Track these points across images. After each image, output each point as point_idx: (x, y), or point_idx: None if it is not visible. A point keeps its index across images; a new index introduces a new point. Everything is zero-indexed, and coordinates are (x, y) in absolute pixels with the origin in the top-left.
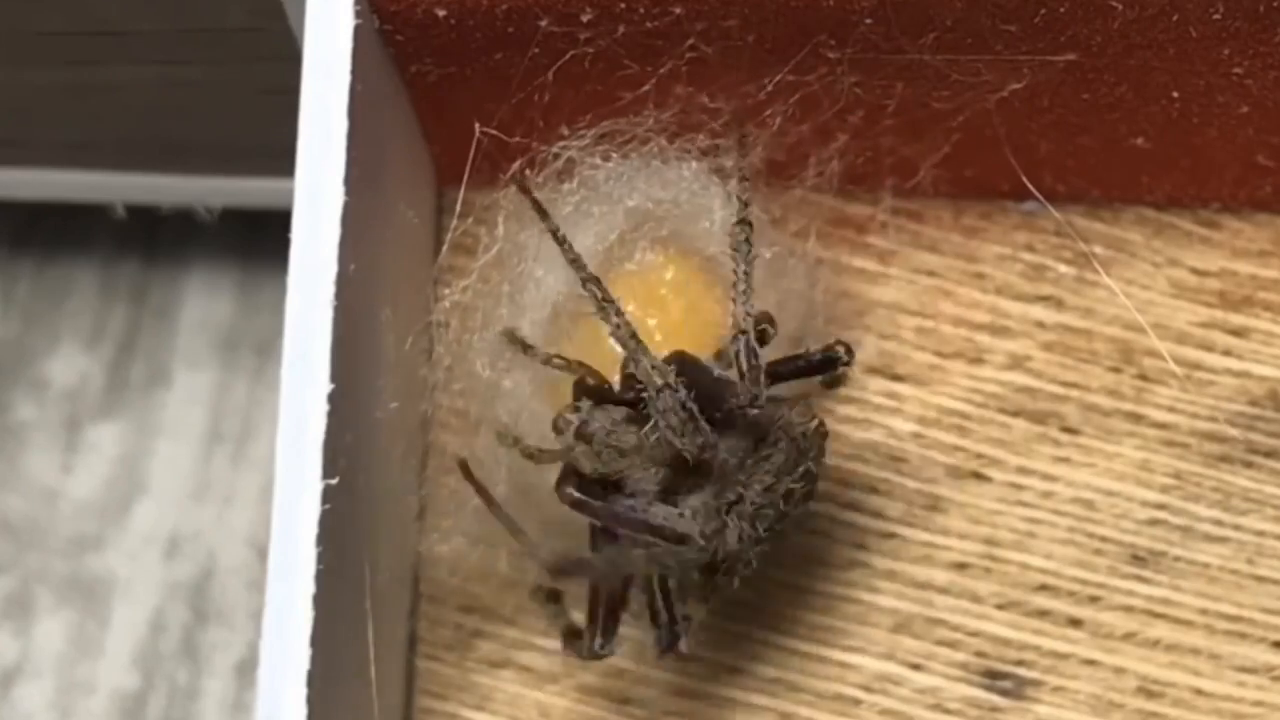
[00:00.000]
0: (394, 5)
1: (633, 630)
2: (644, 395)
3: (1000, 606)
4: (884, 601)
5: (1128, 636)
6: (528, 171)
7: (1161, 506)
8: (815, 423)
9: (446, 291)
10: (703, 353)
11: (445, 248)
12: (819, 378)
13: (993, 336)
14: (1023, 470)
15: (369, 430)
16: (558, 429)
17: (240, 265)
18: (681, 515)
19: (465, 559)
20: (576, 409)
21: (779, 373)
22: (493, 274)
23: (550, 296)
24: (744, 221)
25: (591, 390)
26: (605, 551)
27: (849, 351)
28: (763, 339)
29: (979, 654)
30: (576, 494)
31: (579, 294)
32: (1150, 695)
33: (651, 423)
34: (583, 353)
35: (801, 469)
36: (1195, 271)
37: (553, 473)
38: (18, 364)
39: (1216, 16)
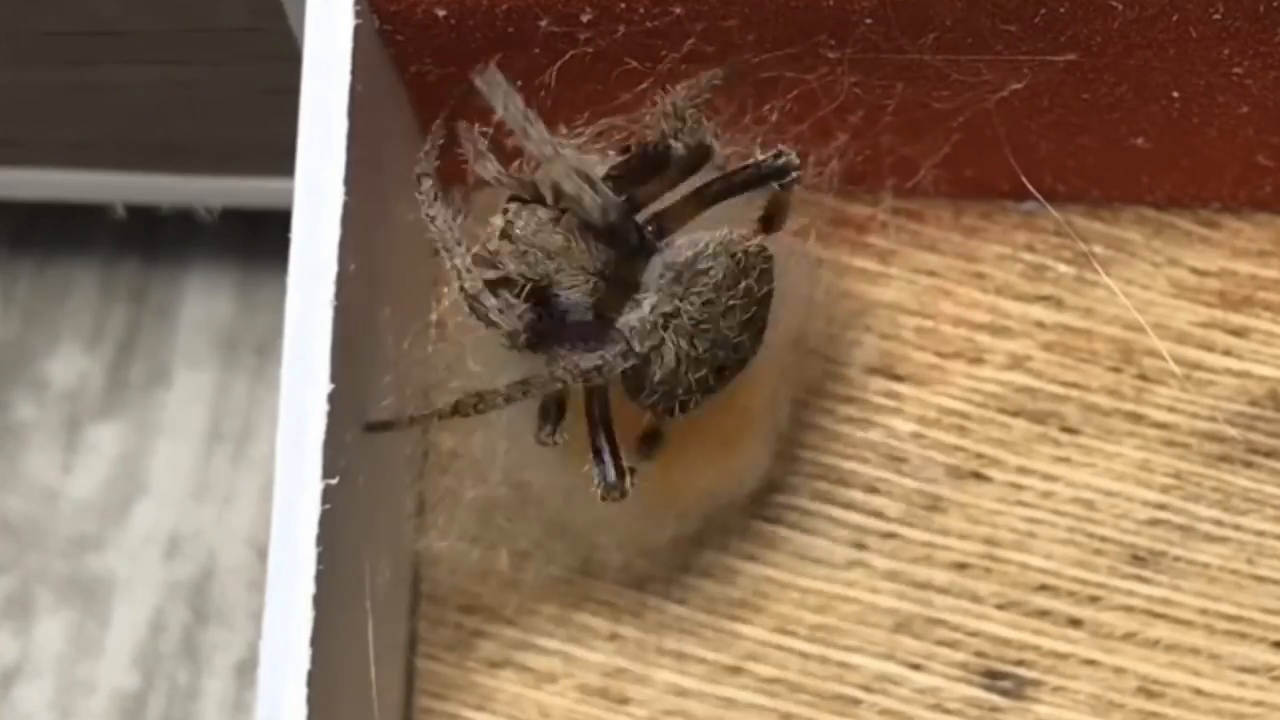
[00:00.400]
0: (394, 5)
1: (633, 630)
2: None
3: (1000, 606)
4: (884, 601)
5: (1128, 636)
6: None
7: (1161, 506)
8: (757, 240)
9: (445, 290)
10: None
11: None
12: (773, 186)
13: (993, 336)
14: (1023, 470)
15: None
16: (484, 245)
17: (240, 265)
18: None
19: (465, 558)
20: (504, 211)
21: (727, 186)
22: None
23: None
24: None
25: (521, 198)
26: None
27: (798, 155)
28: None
29: (979, 654)
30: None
31: None
32: (1150, 695)
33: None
34: None
35: (743, 285)
36: (1195, 271)
37: (550, 472)
38: (18, 364)
39: (1216, 16)
